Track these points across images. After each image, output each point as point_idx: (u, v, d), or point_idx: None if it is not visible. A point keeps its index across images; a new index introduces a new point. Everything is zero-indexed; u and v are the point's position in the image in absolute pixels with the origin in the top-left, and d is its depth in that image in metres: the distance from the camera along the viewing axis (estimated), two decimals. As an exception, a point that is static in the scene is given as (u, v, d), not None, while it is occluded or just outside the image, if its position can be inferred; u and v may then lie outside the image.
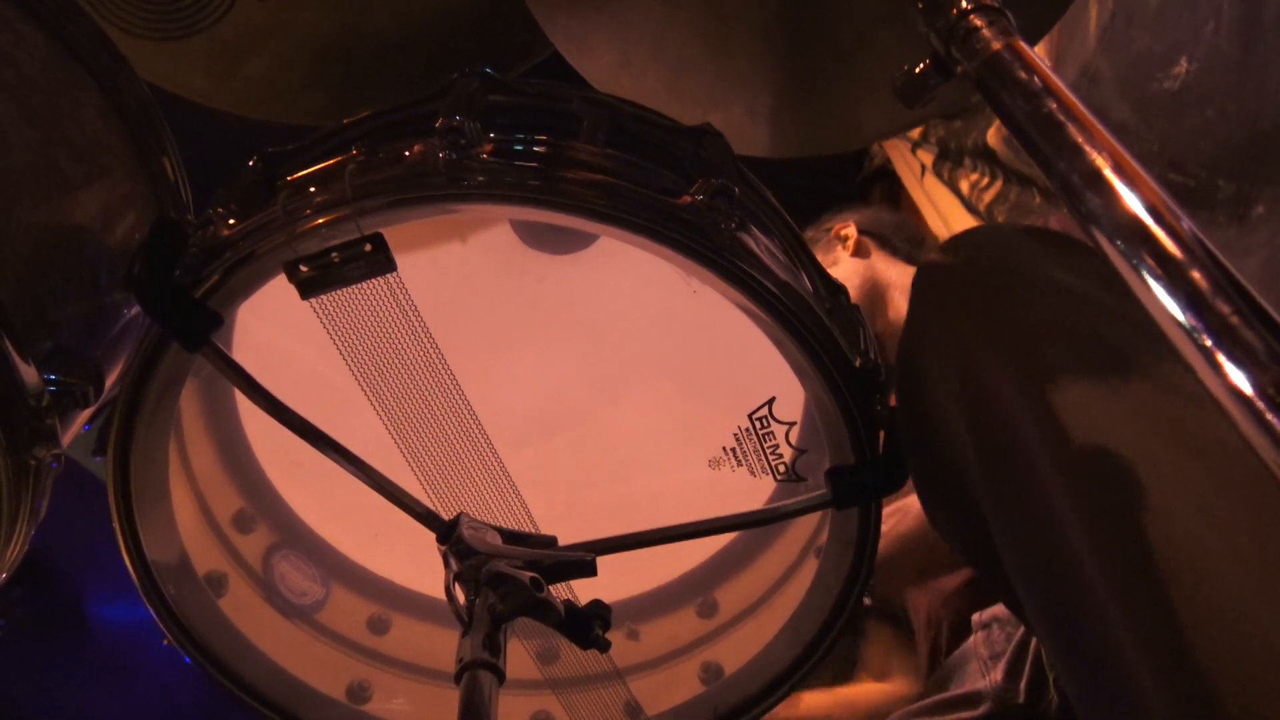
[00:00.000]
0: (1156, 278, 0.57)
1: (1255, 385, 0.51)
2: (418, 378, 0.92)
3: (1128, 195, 0.61)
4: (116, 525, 0.91)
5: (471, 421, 0.95)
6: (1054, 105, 0.68)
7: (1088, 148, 0.65)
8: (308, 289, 0.84)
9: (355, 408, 0.92)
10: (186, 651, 0.97)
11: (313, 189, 0.83)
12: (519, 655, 1.01)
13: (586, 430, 1.08)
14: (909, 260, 2.06)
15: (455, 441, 0.95)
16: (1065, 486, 0.69)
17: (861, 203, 2.41)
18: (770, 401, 0.96)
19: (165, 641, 0.96)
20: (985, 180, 2.26)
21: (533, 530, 0.94)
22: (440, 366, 0.92)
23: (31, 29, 0.96)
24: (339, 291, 0.86)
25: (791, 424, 0.97)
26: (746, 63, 1.09)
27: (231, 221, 0.85)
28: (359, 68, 1.20)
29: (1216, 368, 0.52)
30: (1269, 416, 0.50)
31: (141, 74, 1.04)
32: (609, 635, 0.84)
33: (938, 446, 0.83)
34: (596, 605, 0.85)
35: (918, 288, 0.89)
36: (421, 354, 0.91)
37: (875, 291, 1.97)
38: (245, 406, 1.01)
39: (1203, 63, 1.53)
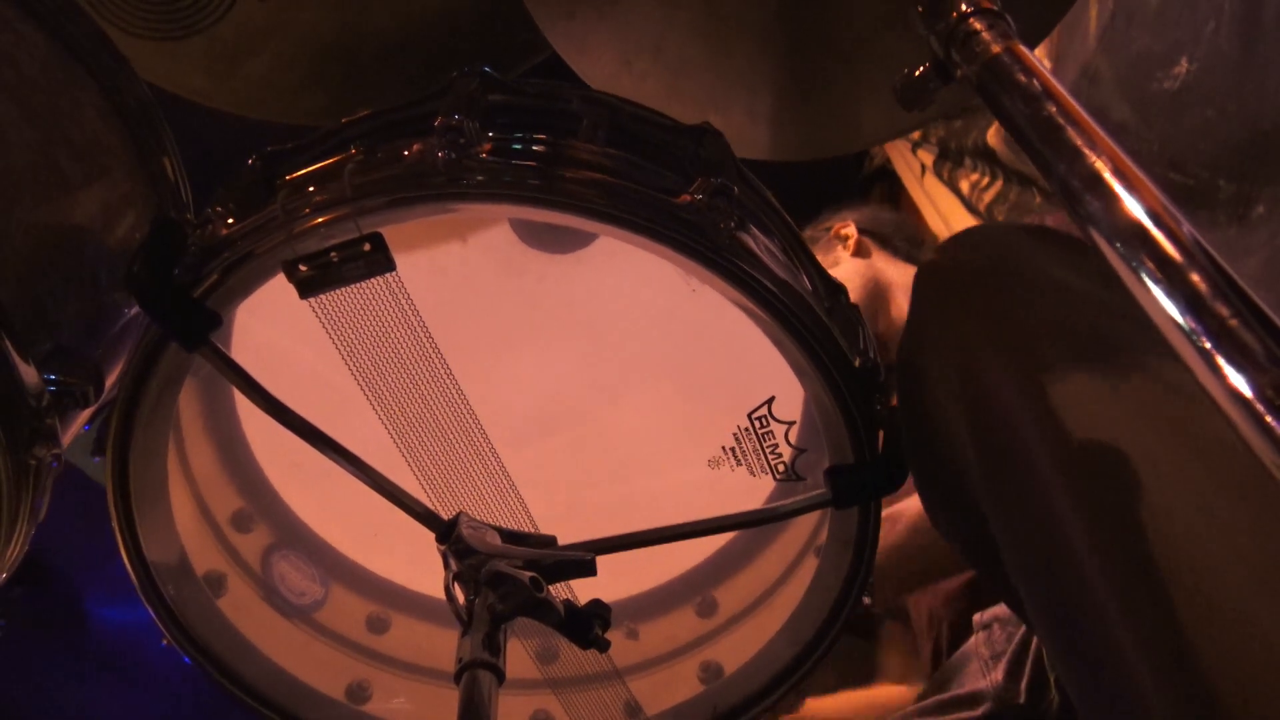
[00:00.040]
0: (1156, 280, 0.57)
1: (1254, 387, 0.51)
2: (417, 377, 0.92)
3: (1127, 198, 0.61)
4: (116, 525, 0.91)
5: (471, 421, 0.95)
6: (1053, 108, 0.68)
7: (1087, 151, 0.65)
8: (307, 288, 0.84)
9: (354, 407, 0.92)
10: (186, 651, 0.97)
11: (312, 188, 0.83)
12: (519, 655, 1.01)
13: (586, 430, 1.08)
14: (910, 260, 2.06)
15: (455, 441, 0.95)
16: (1065, 486, 0.69)
17: (861, 202, 2.41)
18: (770, 401, 0.96)
19: (165, 641, 0.96)
20: (985, 180, 2.26)
21: (532, 530, 0.94)
22: (440, 366, 0.92)
23: (31, 29, 0.96)
24: (338, 291, 0.86)
25: (791, 423, 0.97)
26: (746, 65, 1.09)
27: (230, 221, 0.85)
28: (359, 68, 1.20)
29: (1216, 370, 0.52)
30: (1268, 419, 0.50)
31: (141, 74, 1.04)
32: (608, 635, 0.85)
33: (938, 446, 0.83)
34: (596, 605, 0.85)
35: (918, 287, 0.89)
36: (421, 354, 0.91)
37: (877, 291, 1.97)
38: (244, 406, 1.01)
39: (1203, 63, 1.53)
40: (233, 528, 1.03)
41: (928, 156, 2.42)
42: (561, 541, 0.90)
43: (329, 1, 1.15)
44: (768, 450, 0.98)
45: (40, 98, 0.95)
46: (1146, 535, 0.64)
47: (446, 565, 0.83)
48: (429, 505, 0.90)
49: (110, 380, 0.97)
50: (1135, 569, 0.64)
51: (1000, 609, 1.31)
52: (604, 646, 0.84)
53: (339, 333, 0.88)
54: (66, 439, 0.90)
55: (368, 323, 0.88)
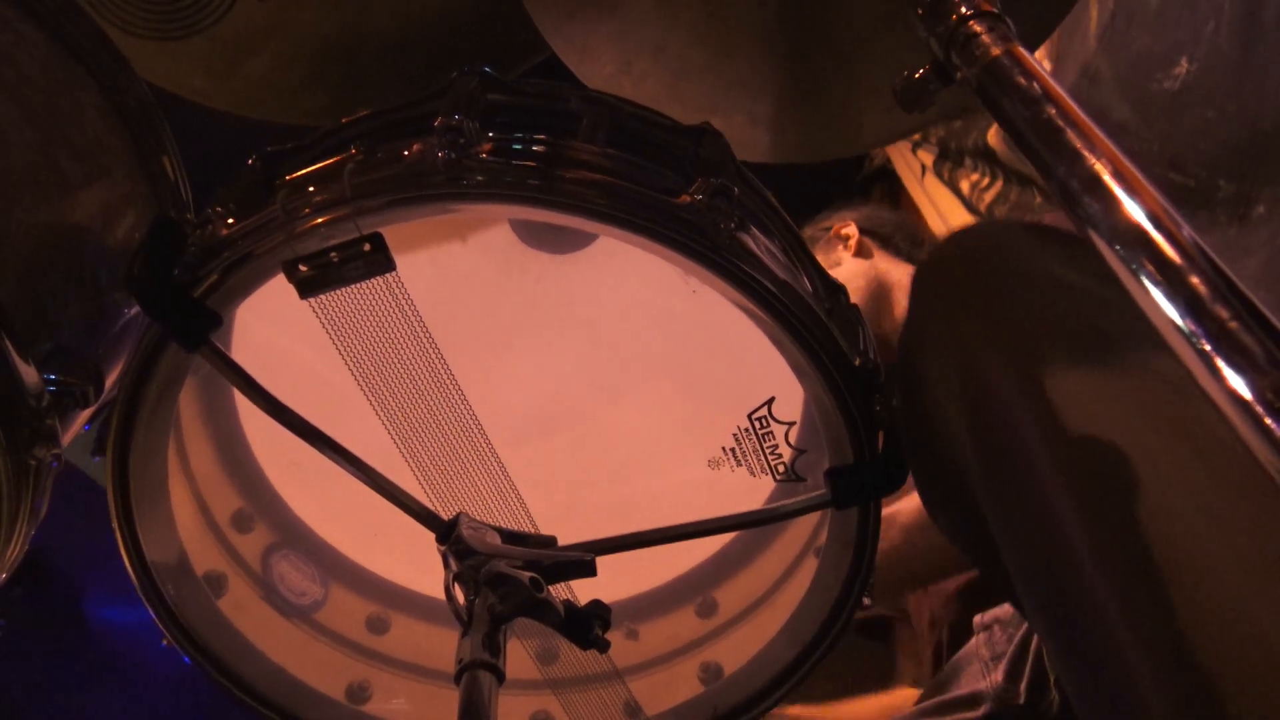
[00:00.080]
0: (1155, 283, 0.57)
1: (1254, 390, 0.51)
2: (417, 377, 0.92)
3: (1127, 200, 0.61)
4: (116, 525, 0.91)
5: (471, 421, 0.95)
6: (1053, 111, 0.68)
7: (1087, 153, 0.65)
8: (307, 288, 0.84)
9: (354, 407, 0.92)
10: (186, 651, 0.97)
11: (312, 188, 0.83)
12: (518, 655, 1.01)
13: (586, 430, 1.08)
14: (911, 260, 2.06)
15: (455, 441, 0.95)
16: (1065, 486, 0.69)
17: (861, 201, 2.41)
18: (770, 401, 0.96)
19: (165, 642, 0.96)
20: (985, 180, 2.26)
21: (532, 530, 0.94)
22: (440, 366, 0.92)
23: (31, 29, 0.96)
24: (338, 291, 0.85)
25: (791, 424, 0.97)
26: (747, 67, 1.09)
27: (230, 221, 0.85)
28: (359, 68, 1.20)
29: (1216, 372, 0.53)
30: (1268, 421, 0.50)
31: (141, 74, 1.04)
32: (608, 635, 0.85)
33: (938, 446, 0.83)
34: (596, 605, 0.85)
35: (917, 286, 0.89)
36: (421, 354, 0.91)
37: (880, 292, 1.97)
38: (244, 406, 1.01)
39: (1203, 63, 1.53)
40: (233, 528, 1.03)
41: (928, 157, 2.43)
42: (561, 542, 0.90)
43: (329, 1, 1.15)
44: (768, 451, 0.98)
45: (40, 98, 0.95)
46: (1146, 535, 0.64)
47: (446, 565, 0.83)
48: (429, 505, 0.90)
49: (110, 380, 0.97)
50: (1135, 569, 0.64)
51: (1001, 610, 1.32)
52: (604, 647, 0.84)
53: (339, 333, 0.88)
54: (66, 439, 0.90)
55: (368, 323, 0.88)
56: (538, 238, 1.00)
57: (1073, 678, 0.73)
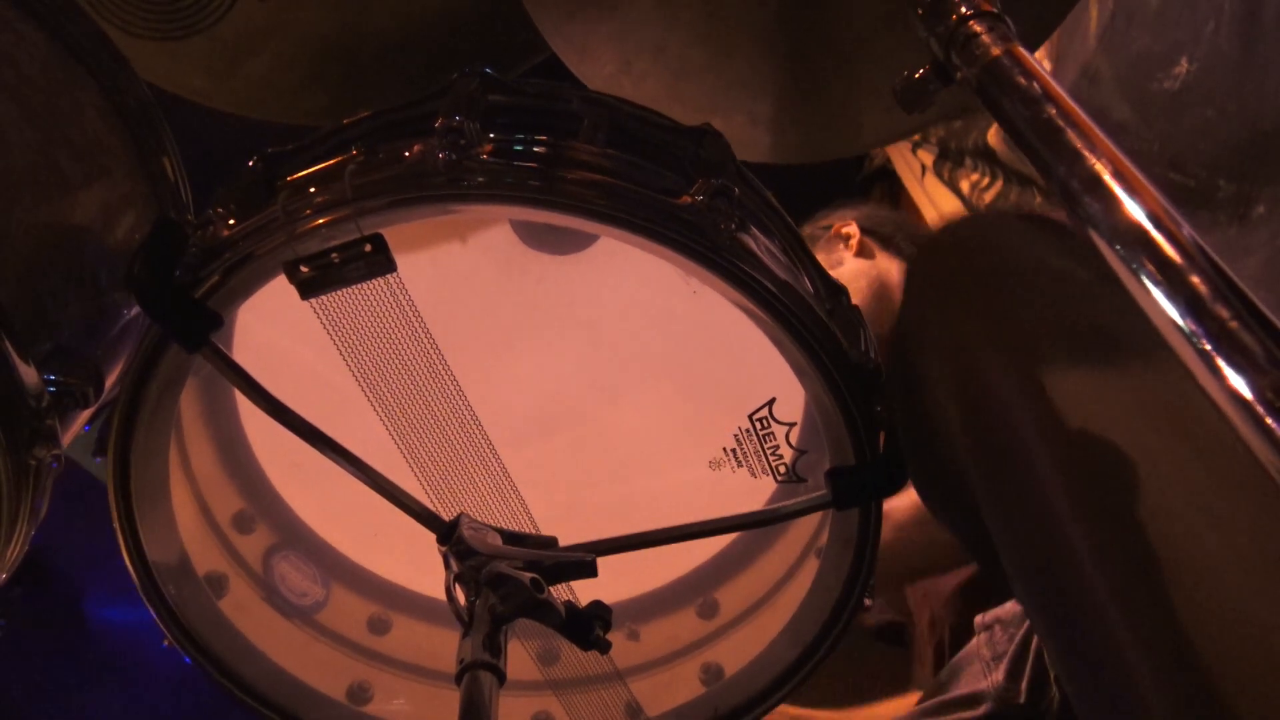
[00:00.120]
0: (1156, 282, 0.57)
1: (1255, 389, 0.51)
2: (418, 378, 0.92)
3: (1127, 200, 0.61)
4: (117, 525, 0.91)
5: (471, 422, 0.95)
6: (1053, 111, 0.69)
7: (1087, 153, 0.65)
8: (308, 289, 0.84)
9: (355, 408, 0.92)
10: (186, 652, 0.97)
11: (313, 189, 0.84)
12: (519, 656, 1.01)
13: (586, 430, 1.08)
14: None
15: (455, 442, 0.95)
16: (1065, 486, 0.69)
17: (861, 200, 2.41)
18: (770, 402, 0.96)
19: (165, 642, 0.96)
20: (986, 180, 2.26)
21: (533, 531, 0.94)
22: (440, 367, 0.92)
23: (31, 29, 0.96)
24: (339, 292, 0.86)
25: (792, 425, 0.97)
26: (747, 68, 1.09)
27: (231, 222, 0.85)
28: (359, 68, 1.20)
29: (1216, 372, 0.53)
30: (1269, 420, 0.50)
31: (141, 74, 1.04)
32: (609, 636, 0.85)
33: (937, 447, 0.83)
34: (597, 606, 0.85)
35: (913, 280, 0.89)
36: (421, 354, 0.91)
37: (883, 293, 1.96)
38: (245, 407, 1.01)
39: (1203, 63, 1.53)
40: (234, 528, 1.03)
41: (928, 157, 2.42)
42: (562, 542, 0.90)
43: (329, 1, 1.15)
44: (769, 452, 0.98)
45: (40, 98, 0.95)
46: (1146, 535, 0.63)
47: (447, 566, 0.83)
48: (430, 506, 0.90)
49: (110, 380, 0.97)
50: (1135, 569, 0.64)
51: (1002, 610, 1.31)
52: (605, 648, 0.84)
53: (340, 333, 0.88)
54: (66, 439, 0.90)
55: (368, 323, 0.88)
56: (538, 238, 1.00)
57: (1073, 678, 0.73)
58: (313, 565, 1.07)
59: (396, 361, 0.91)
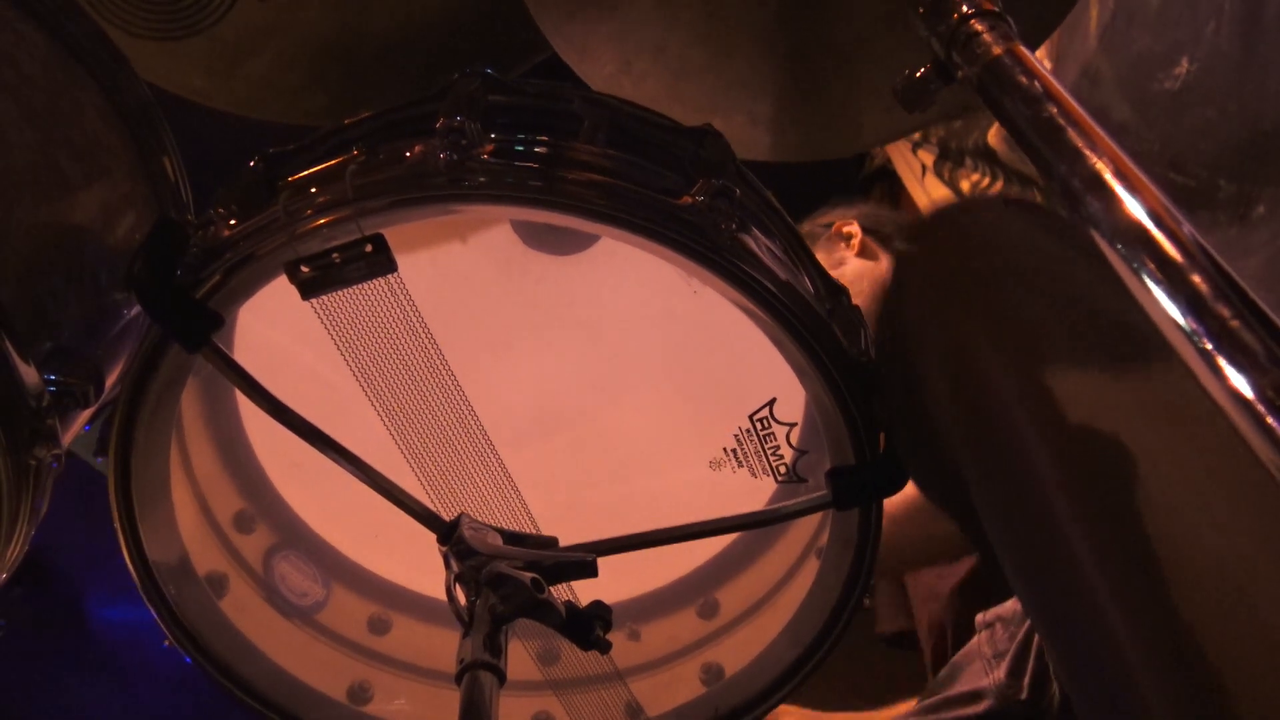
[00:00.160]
0: (1157, 281, 0.57)
1: (1255, 388, 0.51)
2: (418, 378, 0.92)
3: (1128, 199, 0.61)
4: (117, 525, 0.91)
5: (472, 421, 0.95)
6: (1054, 110, 0.69)
7: (1088, 152, 0.65)
8: (309, 289, 0.84)
9: (356, 408, 0.92)
10: (187, 652, 0.97)
11: (314, 189, 0.84)
12: (520, 656, 1.01)
13: (587, 430, 1.08)
14: (912, 262, 2.04)
15: (456, 442, 0.95)
16: (1064, 486, 0.69)
17: (860, 197, 2.40)
18: (771, 402, 0.96)
19: (166, 642, 0.96)
20: (986, 180, 2.26)
21: (533, 531, 0.94)
22: (440, 367, 0.92)
23: (31, 29, 0.96)
24: (340, 292, 0.86)
25: (792, 425, 0.97)
26: (747, 67, 1.09)
27: (232, 222, 0.85)
28: (359, 68, 1.20)
29: (1217, 371, 0.53)
30: (1269, 419, 0.50)
31: (141, 74, 1.04)
32: (610, 636, 0.85)
33: (937, 447, 0.83)
34: (597, 606, 0.85)
35: (909, 274, 0.89)
36: (422, 354, 0.91)
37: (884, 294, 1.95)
38: (246, 407, 1.01)
39: (1203, 63, 1.53)
40: (234, 528, 1.03)
41: (928, 157, 2.42)
42: (563, 542, 0.90)
43: (329, 1, 1.15)
44: (769, 452, 0.98)
45: (40, 98, 0.95)
46: (1146, 534, 0.63)
47: (448, 566, 0.83)
48: (430, 506, 0.90)
49: (111, 380, 0.97)
50: (1135, 569, 0.63)
51: (1002, 609, 1.31)
52: (605, 648, 0.84)
53: (341, 333, 0.88)
54: (67, 439, 0.90)
55: (369, 324, 0.88)
56: (539, 239, 1.00)
57: (1073, 677, 0.73)
58: (313, 565, 1.07)
59: (397, 361, 0.91)
